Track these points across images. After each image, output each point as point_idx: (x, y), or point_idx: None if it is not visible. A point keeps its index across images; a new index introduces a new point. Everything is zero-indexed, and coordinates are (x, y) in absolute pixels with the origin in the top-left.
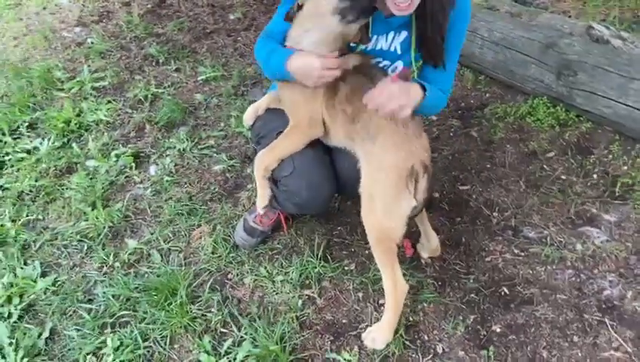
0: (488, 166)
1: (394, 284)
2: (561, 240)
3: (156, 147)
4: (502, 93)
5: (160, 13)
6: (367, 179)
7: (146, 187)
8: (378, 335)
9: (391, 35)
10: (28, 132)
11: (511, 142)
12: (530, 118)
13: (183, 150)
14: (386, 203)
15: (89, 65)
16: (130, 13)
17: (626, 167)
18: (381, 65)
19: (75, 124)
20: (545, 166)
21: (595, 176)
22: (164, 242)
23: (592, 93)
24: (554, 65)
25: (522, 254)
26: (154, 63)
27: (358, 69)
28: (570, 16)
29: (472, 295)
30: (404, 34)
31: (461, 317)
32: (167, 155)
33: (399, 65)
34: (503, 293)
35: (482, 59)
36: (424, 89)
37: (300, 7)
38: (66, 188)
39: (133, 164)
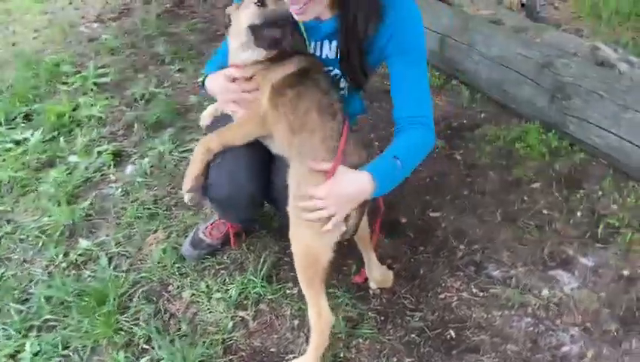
0: (466, 193)
1: (318, 314)
2: (527, 282)
3: (139, 146)
4: (497, 115)
5: (178, 13)
6: (293, 200)
7: (117, 187)
8: None
9: (335, 42)
10: (23, 123)
11: (495, 169)
12: (519, 143)
13: (164, 152)
14: (313, 225)
15: (97, 61)
16: (148, 11)
17: (615, 206)
18: (332, 73)
19: (69, 118)
20: (526, 197)
21: (579, 213)
22: (115, 246)
23: (585, 120)
24: (548, 88)
25: (481, 294)
26: (159, 62)
27: (307, 73)
28: (582, 35)
29: (414, 335)
30: None
31: (395, 359)
32: (147, 156)
33: None
34: (448, 337)
35: (478, 77)
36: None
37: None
38: (42, 182)
39: (112, 163)
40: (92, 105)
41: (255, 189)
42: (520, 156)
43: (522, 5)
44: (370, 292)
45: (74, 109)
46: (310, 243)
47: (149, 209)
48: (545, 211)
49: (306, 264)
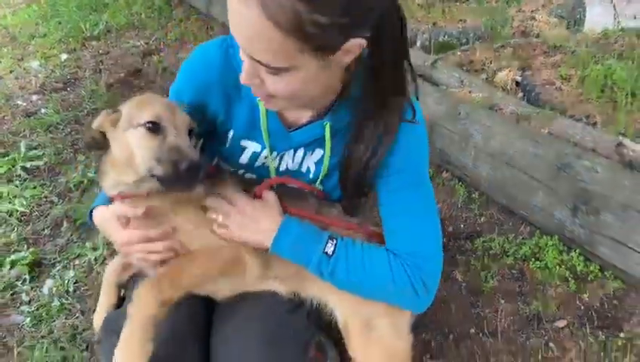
0: (472, 331)
1: None
2: None
3: (66, 252)
4: (501, 219)
5: (132, 84)
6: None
7: (29, 312)
8: None
9: (300, 152)
10: None
11: (508, 297)
12: (534, 263)
13: (95, 260)
14: (392, 319)
15: (32, 140)
16: (98, 82)
17: None
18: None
19: None
20: (552, 343)
21: None
22: None
23: (621, 243)
24: (568, 196)
25: None
26: None
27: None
28: (594, 123)
29: None
30: (318, 153)
31: None
32: (73, 266)
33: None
34: None
35: (476, 174)
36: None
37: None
38: None
39: (28, 277)
40: (16, 196)
41: None
42: (537, 280)
43: (517, 84)
44: None
45: None
46: (395, 344)
47: (62, 350)
48: None
49: None
